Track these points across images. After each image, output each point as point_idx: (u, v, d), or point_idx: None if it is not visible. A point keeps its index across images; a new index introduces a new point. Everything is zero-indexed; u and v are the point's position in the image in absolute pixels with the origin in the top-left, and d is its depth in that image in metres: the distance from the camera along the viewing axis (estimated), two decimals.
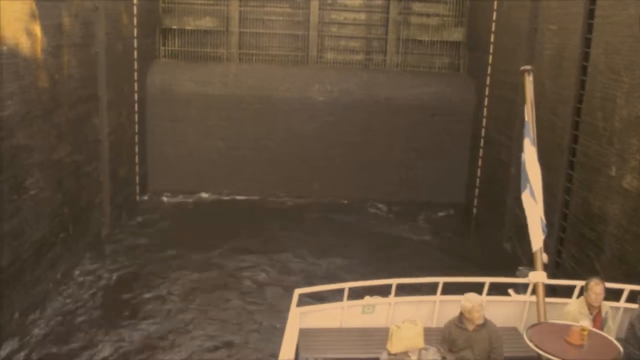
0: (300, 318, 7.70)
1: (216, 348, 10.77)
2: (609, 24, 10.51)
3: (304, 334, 7.59)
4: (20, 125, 10.56)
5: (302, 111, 18.58)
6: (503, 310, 7.95)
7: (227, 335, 11.16)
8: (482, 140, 17.65)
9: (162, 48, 19.24)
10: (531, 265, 8.00)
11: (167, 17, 19.11)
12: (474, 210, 18.16)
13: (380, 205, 18.55)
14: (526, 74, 8.80)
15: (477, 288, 7.45)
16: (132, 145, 17.32)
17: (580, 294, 7.48)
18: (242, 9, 19.25)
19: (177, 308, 12.00)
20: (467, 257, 14.97)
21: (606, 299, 7.16)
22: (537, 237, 7.87)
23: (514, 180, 14.12)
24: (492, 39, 16.88)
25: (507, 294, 8.37)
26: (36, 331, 10.72)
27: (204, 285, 12.99)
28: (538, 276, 7.66)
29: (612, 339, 6.42)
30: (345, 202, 18.57)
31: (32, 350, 10.20)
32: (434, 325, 7.86)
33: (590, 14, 11.23)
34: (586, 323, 6.38)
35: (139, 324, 11.36)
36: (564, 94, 12.13)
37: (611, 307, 7.37)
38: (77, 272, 13.01)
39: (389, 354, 6.95)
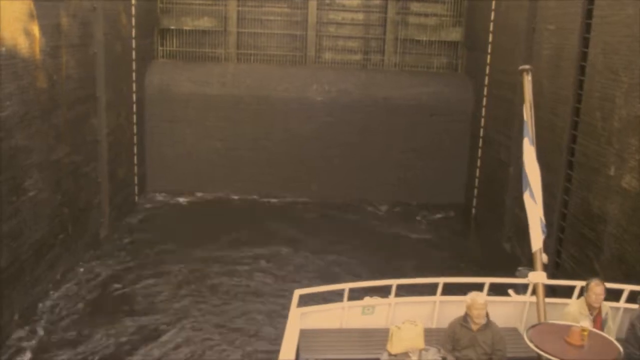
0: (301, 319, 7.70)
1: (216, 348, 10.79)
2: (607, 23, 10.52)
3: (304, 334, 7.59)
4: (18, 126, 10.55)
5: (300, 111, 18.56)
6: (503, 310, 7.95)
7: (227, 335, 11.16)
8: (480, 140, 17.66)
9: (160, 48, 19.22)
10: (531, 266, 8.00)
11: (165, 18, 19.09)
12: (473, 211, 18.16)
13: (379, 206, 18.52)
14: (525, 73, 8.80)
15: (477, 288, 7.47)
16: (131, 145, 17.30)
17: (581, 294, 7.50)
18: (240, 9, 19.22)
19: (177, 308, 12.00)
20: (467, 258, 14.96)
21: (606, 299, 7.18)
22: (537, 237, 7.88)
23: (513, 180, 14.15)
24: (490, 39, 16.89)
25: (507, 295, 8.38)
26: (36, 331, 10.75)
27: (204, 285, 12.98)
28: (538, 276, 7.67)
29: (613, 339, 6.43)
30: (344, 202, 18.52)
31: (32, 350, 10.20)
32: (434, 326, 7.87)
33: (589, 14, 11.24)
34: (586, 323, 6.38)
35: (139, 321, 11.38)
36: (563, 93, 12.14)
37: (611, 308, 7.39)
38: (76, 273, 13.00)
39: (389, 354, 6.94)
